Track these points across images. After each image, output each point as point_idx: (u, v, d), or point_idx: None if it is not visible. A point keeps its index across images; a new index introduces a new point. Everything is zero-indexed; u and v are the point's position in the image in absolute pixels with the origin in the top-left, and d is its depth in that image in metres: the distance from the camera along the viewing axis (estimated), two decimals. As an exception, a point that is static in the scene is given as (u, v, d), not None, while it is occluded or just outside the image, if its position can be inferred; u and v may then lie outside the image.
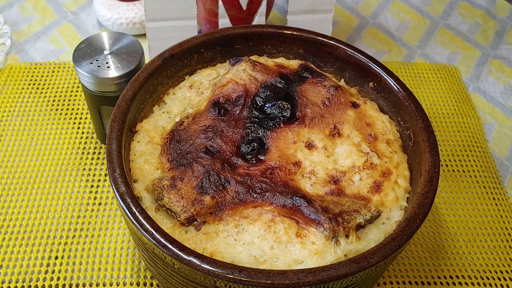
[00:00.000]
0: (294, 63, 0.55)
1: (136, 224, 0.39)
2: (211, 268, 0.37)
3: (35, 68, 0.71)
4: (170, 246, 0.38)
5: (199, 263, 0.37)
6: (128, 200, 0.40)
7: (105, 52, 0.55)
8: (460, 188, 0.61)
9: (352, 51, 0.54)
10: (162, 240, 0.38)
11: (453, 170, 0.63)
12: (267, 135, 0.47)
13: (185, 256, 0.37)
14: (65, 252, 0.53)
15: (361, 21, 0.84)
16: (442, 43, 0.81)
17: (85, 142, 0.63)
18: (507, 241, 0.57)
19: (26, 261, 0.52)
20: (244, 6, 0.67)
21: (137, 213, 0.40)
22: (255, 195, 0.43)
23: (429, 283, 0.53)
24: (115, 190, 0.41)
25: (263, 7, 0.67)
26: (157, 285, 0.51)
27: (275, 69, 0.53)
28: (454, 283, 0.53)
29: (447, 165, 0.64)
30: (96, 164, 0.61)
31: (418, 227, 0.40)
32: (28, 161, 0.60)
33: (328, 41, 0.54)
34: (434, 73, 0.76)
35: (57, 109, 0.66)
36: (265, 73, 0.52)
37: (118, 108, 0.46)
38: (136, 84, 0.48)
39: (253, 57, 0.55)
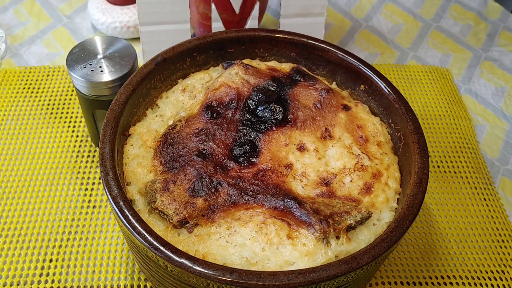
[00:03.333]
0: (286, 66, 0.55)
1: (129, 226, 0.39)
2: (203, 270, 0.37)
3: (30, 72, 0.72)
4: (162, 249, 0.38)
5: (191, 265, 0.37)
6: (121, 203, 0.41)
7: (99, 56, 0.55)
8: (451, 189, 0.62)
9: (343, 54, 0.54)
10: (154, 243, 0.38)
11: (445, 171, 0.64)
12: (259, 138, 0.48)
13: (177, 258, 0.38)
14: (60, 255, 0.53)
15: (354, 24, 0.85)
16: (434, 45, 0.82)
17: (80, 146, 0.63)
18: (498, 241, 0.57)
19: (21, 264, 0.52)
20: (237, 10, 0.67)
21: (129, 216, 0.40)
22: (247, 197, 0.44)
23: (420, 283, 0.53)
24: (107, 193, 0.41)
25: (255, 11, 0.67)
26: (151, 287, 0.51)
27: (267, 72, 0.54)
28: (445, 283, 0.53)
29: (438, 166, 0.64)
30: (91, 167, 0.61)
31: (408, 228, 0.41)
32: (22, 164, 0.61)
33: (320, 44, 0.55)
34: (426, 75, 0.76)
35: (51, 113, 0.67)
36: (258, 77, 0.52)
37: (111, 111, 0.47)
38: (129, 88, 0.49)
39: (246, 61, 0.55)
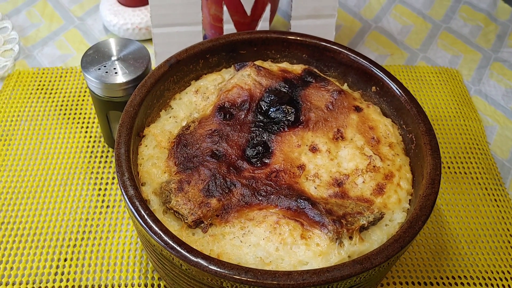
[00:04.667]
0: (297, 68, 0.56)
1: (145, 226, 0.40)
2: (218, 269, 0.38)
3: (43, 73, 0.73)
4: (178, 248, 0.39)
5: (207, 265, 0.38)
6: (137, 203, 0.41)
7: (113, 58, 0.56)
8: (462, 190, 0.62)
9: (354, 55, 0.55)
10: (170, 242, 0.39)
11: (455, 172, 0.64)
12: (271, 139, 0.48)
13: (193, 258, 0.38)
14: (74, 254, 0.54)
15: (363, 25, 0.85)
16: (443, 46, 0.82)
17: (93, 146, 0.64)
18: (509, 242, 0.57)
19: (36, 263, 0.53)
20: (249, 12, 0.68)
21: (145, 216, 0.41)
22: (260, 198, 0.44)
23: (431, 284, 0.53)
24: (124, 194, 0.42)
25: (267, 13, 0.68)
26: (164, 286, 0.52)
27: (279, 74, 0.54)
28: (456, 284, 0.54)
29: (449, 167, 0.64)
30: (104, 167, 0.62)
31: (420, 228, 0.41)
32: (37, 164, 0.62)
33: (331, 46, 0.55)
34: (436, 76, 0.77)
35: (65, 114, 0.67)
36: (270, 78, 0.53)
37: (126, 113, 0.47)
38: (143, 90, 0.49)
39: (258, 62, 0.56)
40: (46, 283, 0.52)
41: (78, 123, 0.66)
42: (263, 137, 0.49)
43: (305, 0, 0.66)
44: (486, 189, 0.62)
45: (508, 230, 0.58)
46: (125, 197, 0.42)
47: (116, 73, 0.54)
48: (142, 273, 0.53)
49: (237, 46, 0.56)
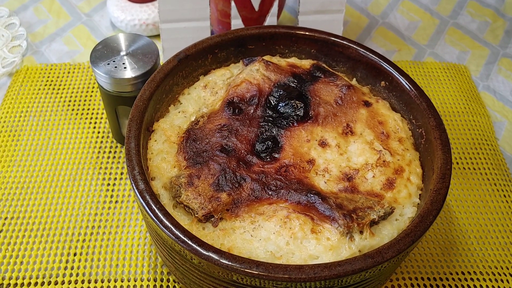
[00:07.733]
0: (306, 63, 0.56)
1: (156, 220, 0.40)
2: (230, 263, 0.38)
3: (51, 69, 0.73)
4: (189, 242, 0.39)
5: (218, 258, 0.38)
6: (147, 197, 0.41)
7: (122, 53, 0.56)
8: (471, 186, 0.62)
9: (363, 50, 0.54)
10: (182, 236, 0.39)
11: (464, 168, 0.64)
12: (281, 133, 0.48)
13: (204, 252, 0.38)
14: (84, 248, 0.54)
15: (370, 21, 0.85)
16: (451, 42, 0.82)
17: (101, 141, 0.64)
18: (518, 238, 0.57)
19: (46, 257, 0.53)
20: (256, 7, 0.68)
21: (156, 210, 0.41)
22: (270, 192, 0.44)
23: (441, 279, 0.53)
24: (134, 188, 0.42)
25: (274, 8, 0.68)
26: (173, 280, 0.52)
27: (287, 68, 0.54)
28: (466, 279, 0.54)
29: (457, 163, 0.64)
30: (112, 162, 0.62)
31: (431, 223, 0.41)
32: (45, 160, 0.62)
33: (340, 41, 0.55)
34: (444, 72, 0.76)
35: (73, 109, 0.68)
36: (278, 73, 0.53)
37: (136, 108, 0.47)
38: (152, 85, 0.49)
39: (266, 57, 0.56)
40: (56, 277, 0.52)
41: (86, 118, 0.67)
42: (273, 132, 0.48)
43: (313, -5, 0.66)
44: (495, 184, 0.62)
45: (518, 225, 0.58)
46: (136, 191, 0.42)
47: (125, 68, 0.54)
48: (151, 268, 0.53)
49: (245, 41, 0.56)
